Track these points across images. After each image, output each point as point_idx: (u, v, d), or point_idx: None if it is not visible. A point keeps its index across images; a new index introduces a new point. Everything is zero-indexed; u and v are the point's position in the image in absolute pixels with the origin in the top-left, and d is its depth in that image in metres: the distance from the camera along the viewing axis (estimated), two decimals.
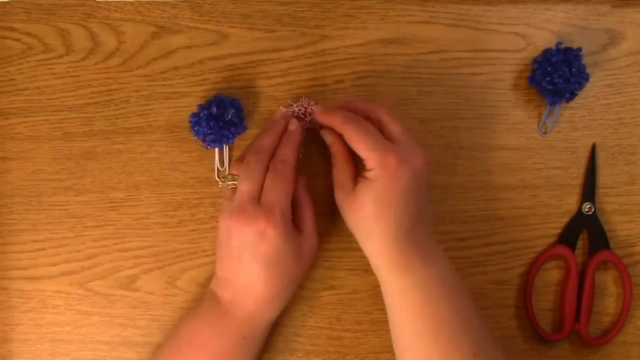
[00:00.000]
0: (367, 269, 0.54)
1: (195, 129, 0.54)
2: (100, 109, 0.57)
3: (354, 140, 0.49)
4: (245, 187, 0.50)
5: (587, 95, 0.58)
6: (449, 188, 0.57)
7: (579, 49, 0.56)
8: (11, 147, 0.57)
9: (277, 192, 0.50)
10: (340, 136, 0.52)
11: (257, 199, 0.50)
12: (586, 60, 0.56)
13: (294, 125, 0.54)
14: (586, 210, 0.57)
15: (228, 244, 0.50)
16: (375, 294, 0.56)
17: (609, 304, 0.58)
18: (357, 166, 0.52)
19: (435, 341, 0.49)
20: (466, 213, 0.57)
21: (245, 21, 0.57)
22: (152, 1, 0.57)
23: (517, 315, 0.57)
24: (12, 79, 0.57)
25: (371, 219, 0.49)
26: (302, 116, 0.55)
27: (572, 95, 0.56)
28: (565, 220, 0.58)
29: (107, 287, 0.56)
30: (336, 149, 0.52)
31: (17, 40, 0.57)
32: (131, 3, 0.57)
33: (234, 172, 0.53)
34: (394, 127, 0.50)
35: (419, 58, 0.57)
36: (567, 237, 0.57)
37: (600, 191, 0.58)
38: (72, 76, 0.57)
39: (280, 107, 0.56)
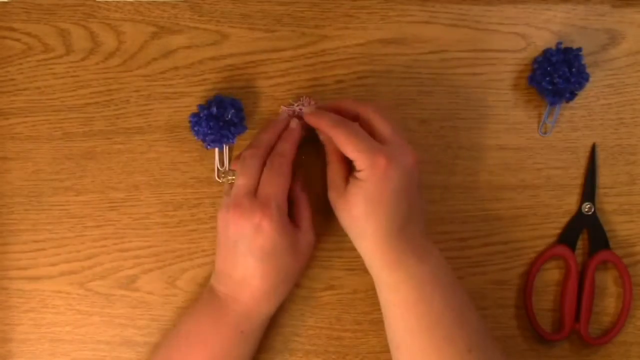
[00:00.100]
0: (366, 269, 0.54)
1: (195, 129, 0.54)
2: (100, 109, 0.57)
3: (343, 143, 0.49)
4: (242, 181, 0.51)
5: (587, 95, 0.58)
6: (448, 188, 0.57)
7: (579, 49, 0.56)
8: (11, 147, 0.57)
9: (273, 186, 0.50)
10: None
11: (254, 193, 0.50)
12: (586, 60, 0.56)
13: (294, 124, 0.54)
14: (586, 210, 0.57)
15: (225, 237, 0.51)
16: (375, 293, 0.56)
17: (609, 304, 0.58)
18: (350, 166, 0.52)
19: (429, 337, 0.49)
20: (466, 213, 0.57)
21: (245, 21, 0.57)
22: (152, 1, 0.57)
23: (517, 315, 0.57)
24: (12, 79, 0.57)
25: (363, 218, 0.49)
26: (302, 115, 0.55)
27: (572, 95, 0.56)
28: (565, 220, 0.58)
29: (107, 287, 0.56)
30: (329, 149, 0.53)
31: (17, 40, 0.57)
32: (131, 3, 0.57)
33: (233, 167, 0.54)
34: (382, 127, 0.50)
35: (418, 58, 0.57)
36: (567, 237, 0.57)
37: (600, 191, 0.58)
38: (72, 76, 0.57)
39: (281, 106, 0.56)
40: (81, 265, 0.56)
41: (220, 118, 0.53)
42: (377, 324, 0.56)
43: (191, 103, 0.57)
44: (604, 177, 0.58)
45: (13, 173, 0.57)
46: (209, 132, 0.54)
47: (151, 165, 0.57)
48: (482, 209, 0.57)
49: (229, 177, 0.53)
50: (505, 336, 0.57)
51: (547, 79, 0.55)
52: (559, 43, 0.56)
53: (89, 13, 0.57)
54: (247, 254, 0.50)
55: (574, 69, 0.55)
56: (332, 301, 0.57)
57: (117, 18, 0.57)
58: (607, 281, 0.58)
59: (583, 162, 0.58)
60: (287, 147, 0.52)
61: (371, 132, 0.50)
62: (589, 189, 0.57)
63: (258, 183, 0.51)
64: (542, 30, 0.58)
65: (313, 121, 0.53)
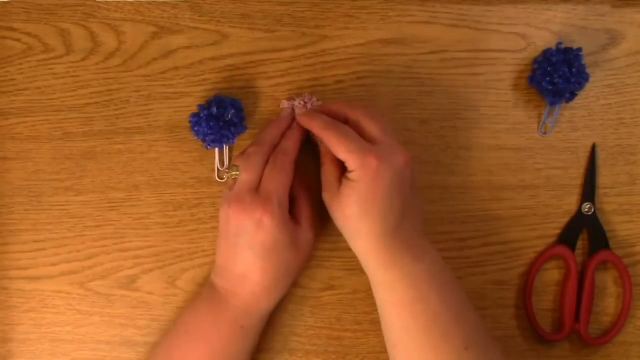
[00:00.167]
0: None
1: (195, 129, 0.54)
2: (100, 109, 0.57)
3: (334, 144, 0.49)
4: (244, 177, 0.51)
5: (587, 95, 0.58)
6: (448, 188, 0.57)
7: (579, 49, 0.56)
8: (11, 147, 0.57)
9: (275, 182, 0.51)
10: None
11: (256, 188, 0.51)
12: (586, 60, 0.56)
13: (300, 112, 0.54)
14: (586, 210, 0.57)
15: (226, 232, 0.51)
16: None
17: (608, 304, 0.58)
18: (343, 167, 0.52)
19: (425, 335, 0.49)
20: (465, 213, 0.57)
21: (245, 21, 0.57)
22: (152, 1, 0.57)
23: (517, 315, 0.58)
24: (12, 79, 0.57)
25: (356, 218, 0.49)
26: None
27: (572, 95, 0.56)
28: (565, 220, 0.58)
29: (107, 287, 0.56)
30: (322, 150, 0.53)
31: (17, 40, 0.57)
32: (131, 3, 0.57)
33: (235, 162, 0.54)
34: (372, 129, 0.50)
35: (418, 58, 0.57)
36: (567, 237, 0.57)
37: (600, 191, 0.58)
38: (72, 76, 0.57)
39: (282, 100, 0.56)
40: (81, 265, 0.56)
41: (220, 118, 0.53)
42: (377, 323, 0.56)
43: (191, 103, 0.57)
44: (603, 177, 0.58)
45: (13, 173, 0.57)
46: (209, 132, 0.54)
47: (151, 165, 0.57)
48: (481, 209, 0.57)
49: (233, 173, 0.53)
50: (505, 336, 0.57)
51: (547, 79, 0.55)
52: (559, 43, 0.56)
53: (89, 13, 0.57)
54: (247, 249, 0.50)
55: (574, 69, 0.55)
56: (332, 301, 0.57)
57: (117, 18, 0.57)
58: (607, 281, 0.58)
59: (583, 162, 0.58)
60: (290, 145, 0.53)
61: (361, 134, 0.50)
62: (589, 189, 0.57)
63: (260, 179, 0.51)
64: (542, 30, 0.58)
65: (305, 122, 0.53)
